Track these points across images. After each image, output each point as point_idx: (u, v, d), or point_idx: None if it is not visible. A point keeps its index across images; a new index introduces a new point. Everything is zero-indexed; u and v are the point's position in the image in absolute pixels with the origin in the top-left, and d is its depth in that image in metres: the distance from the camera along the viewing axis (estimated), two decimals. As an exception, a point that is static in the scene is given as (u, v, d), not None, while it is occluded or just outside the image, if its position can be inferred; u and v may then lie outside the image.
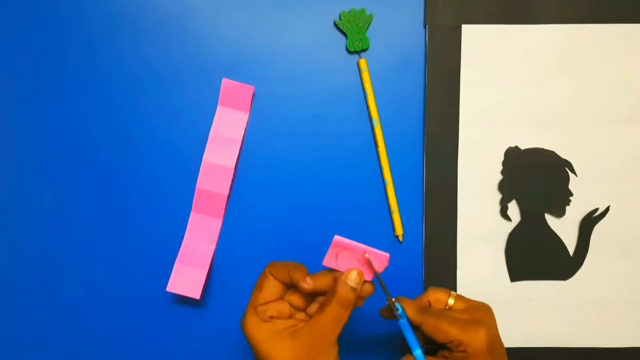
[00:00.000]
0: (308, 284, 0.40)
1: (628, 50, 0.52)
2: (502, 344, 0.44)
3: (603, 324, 0.53)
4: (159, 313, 0.53)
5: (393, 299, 0.42)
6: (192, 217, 0.52)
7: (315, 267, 0.53)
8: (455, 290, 0.52)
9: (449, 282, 0.53)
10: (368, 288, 0.41)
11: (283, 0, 0.53)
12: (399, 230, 0.52)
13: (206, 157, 0.52)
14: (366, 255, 0.40)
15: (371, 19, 0.52)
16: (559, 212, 0.53)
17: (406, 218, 0.53)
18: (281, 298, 0.42)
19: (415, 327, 0.42)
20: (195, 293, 0.51)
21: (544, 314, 0.53)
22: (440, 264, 0.52)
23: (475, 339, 0.41)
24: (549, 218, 0.53)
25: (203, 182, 0.52)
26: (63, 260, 0.53)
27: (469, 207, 0.52)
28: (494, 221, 0.53)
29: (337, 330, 0.40)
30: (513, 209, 0.53)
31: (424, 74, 0.53)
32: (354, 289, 0.40)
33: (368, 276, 0.41)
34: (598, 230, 0.52)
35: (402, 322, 0.42)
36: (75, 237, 0.53)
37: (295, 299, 0.42)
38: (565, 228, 0.53)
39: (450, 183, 0.52)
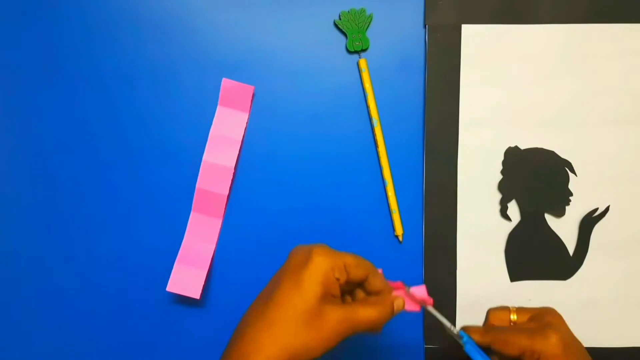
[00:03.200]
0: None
1: (628, 50, 0.52)
2: (579, 344, 0.43)
3: (603, 324, 0.53)
4: (159, 313, 0.53)
5: (454, 328, 0.41)
6: (192, 217, 0.52)
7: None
8: (455, 291, 0.52)
9: (449, 282, 0.53)
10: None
11: (283, 0, 0.53)
12: (399, 230, 0.52)
13: (206, 157, 0.52)
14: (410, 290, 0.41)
15: (371, 19, 0.52)
16: (559, 212, 0.53)
17: (406, 218, 0.53)
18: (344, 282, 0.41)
19: (486, 350, 0.41)
20: (195, 293, 0.51)
21: (544, 314, 0.53)
22: (440, 264, 0.52)
23: (547, 344, 0.40)
24: (549, 218, 0.53)
25: (203, 182, 0.52)
26: (63, 260, 0.53)
27: (469, 207, 0.52)
28: (494, 221, 0.53)
29: (344, 329, 0.38)
30: (513, 209, 0.53)
31: (424, 74, 0.53)
32: (389, 314, 0.39)
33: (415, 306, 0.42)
34: (598, 230, 0.52)
35: (468, 347, 0.41)
36: (75, 237, 0.53)
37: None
38: (565, 228, 0.53)
39: (450, 183, 0.52)
